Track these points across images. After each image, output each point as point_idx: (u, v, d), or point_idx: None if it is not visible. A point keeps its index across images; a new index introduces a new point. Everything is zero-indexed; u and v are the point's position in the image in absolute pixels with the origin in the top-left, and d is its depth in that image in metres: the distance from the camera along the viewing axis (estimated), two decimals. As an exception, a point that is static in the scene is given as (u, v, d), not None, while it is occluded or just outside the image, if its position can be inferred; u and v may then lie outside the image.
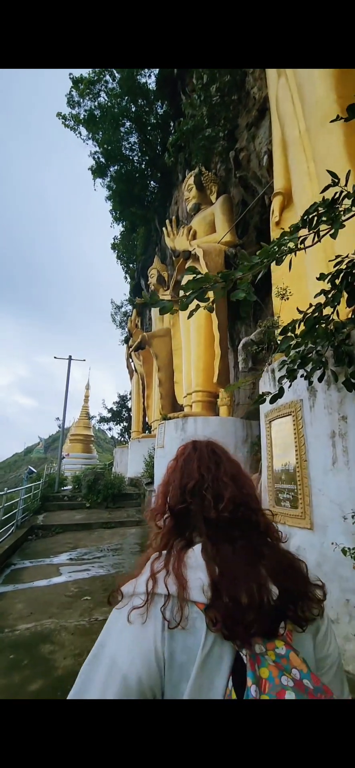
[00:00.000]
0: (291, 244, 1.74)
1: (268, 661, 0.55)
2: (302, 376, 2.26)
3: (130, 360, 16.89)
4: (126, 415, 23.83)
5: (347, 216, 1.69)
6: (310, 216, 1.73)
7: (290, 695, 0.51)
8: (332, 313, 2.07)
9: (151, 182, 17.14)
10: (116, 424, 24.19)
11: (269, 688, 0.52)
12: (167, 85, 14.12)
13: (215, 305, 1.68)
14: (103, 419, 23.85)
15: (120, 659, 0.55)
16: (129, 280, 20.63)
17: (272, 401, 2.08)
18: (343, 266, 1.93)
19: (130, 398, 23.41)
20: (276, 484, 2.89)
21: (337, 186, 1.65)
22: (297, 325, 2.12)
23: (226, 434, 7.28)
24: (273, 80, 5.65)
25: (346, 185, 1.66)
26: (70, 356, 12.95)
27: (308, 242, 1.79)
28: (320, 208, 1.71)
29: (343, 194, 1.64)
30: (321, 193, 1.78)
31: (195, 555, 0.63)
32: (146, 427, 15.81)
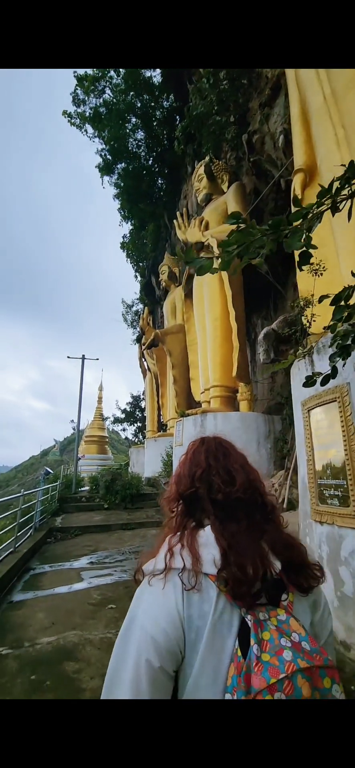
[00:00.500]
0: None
1: (270, 626, 0.62)
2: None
3: (143, 359, 16.72)
4: (140, 415, 23.71)
5: None
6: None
7: (287, 654, 0.57)
8: None
9: (159, 179, 16.90)
10: (130, 425, 24.10)
11: (269, 648, 0.59)
12: (173, 76, 13.84)
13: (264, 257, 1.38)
14: (117, 420, 23.80)
15: (147, 624, 0.63)
16: (139, 278, 20.46)
17: (323, 383, 1.77)
18: None
19: (143, 398, 23.27)
20: (320, 480, 2.58)
21: None
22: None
23: (247, 430, 6.96)
24: (291, 49, 5.29)
25: None
26: (83, 355, 12.85)
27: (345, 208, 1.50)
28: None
29: None
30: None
31: (206, 534, 0.71)
32: (161, 427, 15.60)
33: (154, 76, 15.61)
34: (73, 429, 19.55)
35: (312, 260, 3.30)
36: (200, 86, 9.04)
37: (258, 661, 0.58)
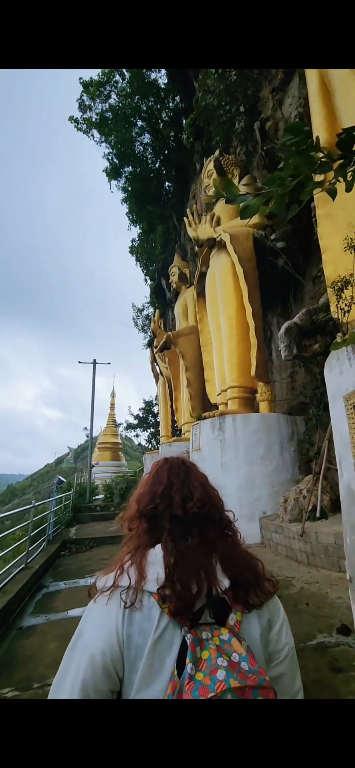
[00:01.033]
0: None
1: (210, 646, 0.63)
2: None
3: (155, 363, 16.44)
4: (152, 420, 23.45)
5: None
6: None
7: (221, 673, 0.59)
8: None
9: (167, 182, 16.75)
10: (143, 431, 23.87)
11: (205, 667, 0.60)
12: (179, 76, 13.67)
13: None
14: (129, 426, 23.61)
15: (89, 642, 0.66)
16: (149, 282, 20.29)
17: None
18: None
19: (156, 403, 23.00)
20: (374, 489, 2.19)
21: None
22: None
23: (269, 432, 6.54)
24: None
25: None
26: (94, 360, 12.70)
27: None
28: None
29: None
30: None
31: (156, 552, 0.74)
32: (175, 431, 15.24)
33: (160, 77, 15.51)
34: (87, 436, 19.48)
35: (348, 235, 2.84)
36: (207, 80, 8.77)
37: (190, 680, 0.58)
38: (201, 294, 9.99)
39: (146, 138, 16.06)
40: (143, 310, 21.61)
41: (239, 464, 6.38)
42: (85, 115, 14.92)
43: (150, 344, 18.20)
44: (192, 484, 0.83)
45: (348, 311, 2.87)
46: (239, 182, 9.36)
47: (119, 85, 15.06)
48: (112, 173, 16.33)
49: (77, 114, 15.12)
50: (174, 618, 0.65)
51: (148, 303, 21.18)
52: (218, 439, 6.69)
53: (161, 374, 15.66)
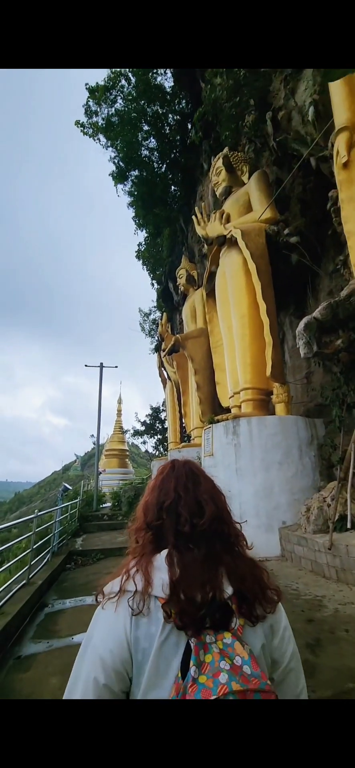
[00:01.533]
0: None
1: (214, 649, 0.64)
2: None
3: (163, 368, 16.11)
4: (160, 427, 23.08)
5: None
6: None
7: (223, 676, 0.60)
8: None
9: (173, 187, 16.60)
10: (150, 437, 23.50)
11: (208, 670, 0.61)
12: (185, 77, 13.52)
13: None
14: (137, 432, 23.26)
15: (98, 645, 0.68)
16: (156, 286, 20.06)
17: None
18: None
19: (163, 409, 22.64)
20: None
21: None
22: None
23: (287, 436, 6.12)
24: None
25: None
26: (101, 363, 12.42)
27: None
28: None
29: None
30: None
31: (162, 557, 0.74)
32: (184, 437, 14.85)
33: (166, 81, 15.42)
34: (94, 444, 19.18)
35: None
36: (215, 79, 8.51)
37: (194, 683, 0.60)
38: (211, 294, 9.66)
39: (152, 142, 15.97)
40: (150, 314, 21.35)
41: (255, 470, 5.97)
42: (91, 120, 14.87)
43: (157, 349, 17.91)
44: (202, 498, 0.81)
45: None
46: (248, 179, 9.08)
47: (125, 89, 15.02)
48: (119, 177, 16.22)
49: (78, 127, 15.10)
50: (179, 627, 0.65)
51: (155, 307, 20.92)
52: (232, 443, 6.28)
53: (169, 379, 15.31)
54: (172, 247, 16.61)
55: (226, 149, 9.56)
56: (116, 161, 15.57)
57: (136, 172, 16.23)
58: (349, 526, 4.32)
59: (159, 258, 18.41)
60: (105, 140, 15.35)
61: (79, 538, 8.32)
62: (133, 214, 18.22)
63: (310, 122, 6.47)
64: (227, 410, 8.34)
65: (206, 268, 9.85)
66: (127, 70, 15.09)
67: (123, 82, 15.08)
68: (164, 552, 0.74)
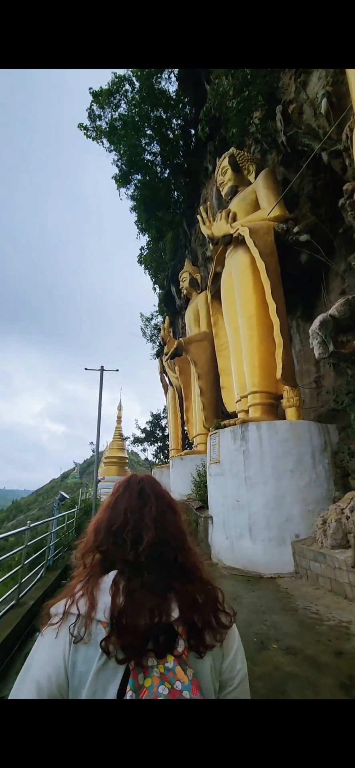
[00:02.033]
0: None
1: (154, 673, 0.63)
2: None
3: (164, 374, 15.76)
4: (160, 434, 22.66)
5: None
6: None
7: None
8: None
9: (176, 192, 16.46)
10: (150, 444, 23.08)
11: (146, 695, 0.60)
12: (190, 77, 13.42)
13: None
14: (137, 440, 22.83)
15: (36, 669, 0.65)
16: (158, 291, 19.82)
17: None
18: None
19: (164, 416, 22.24)
20: None
21: None
22: None
23: (299, 442, 5.73)
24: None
25: None
26: (102, 366, 12.04)
27: None
28: None
29: None
30: None
31: (108, 580, 0.72)
32: (185, 444, 14.42)
33: (170, 85, 15.36)
34: (93, 451, 18.72)
35: None
36: (221, 79, 8.30)
37: None
38: (215, 296, 9.35)
39: (155, 147, 15.86)
40: (152, 318, 21.08)
41: (265, 478, 5.56)
42: (94, 124, 14.78)
43: (159, 354, 17.58)
44: (144, 523, 0.77)
45: None
46: (254, 178, 8.84)
47: (129, 94, 14.95)
48: (122, 180, 16.09)
49: (82, 129, 15.00)
50: (121, 653, 0.63)
51: (156, 312, 20.65)
52: (240, 449, 5.89)
53: (171, 384, 14.95)
54: (175, 250, 16.39)
55: (232, 148, 9.34)
56: (119, 164, 15.42)
57: (139, 176, 16.12)
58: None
59: (161, 262, 18.21)
60: (108, 144, 15.26)
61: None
62: (136, 219, 18.06)
63: (322, 114, 6.22)
64: (233, 415, 7.95)
65: (211, 269, 9.56)
66: (131, 74, 15.05)
67: (127, 86, 15.04)
68: (112, 574, 0.72)
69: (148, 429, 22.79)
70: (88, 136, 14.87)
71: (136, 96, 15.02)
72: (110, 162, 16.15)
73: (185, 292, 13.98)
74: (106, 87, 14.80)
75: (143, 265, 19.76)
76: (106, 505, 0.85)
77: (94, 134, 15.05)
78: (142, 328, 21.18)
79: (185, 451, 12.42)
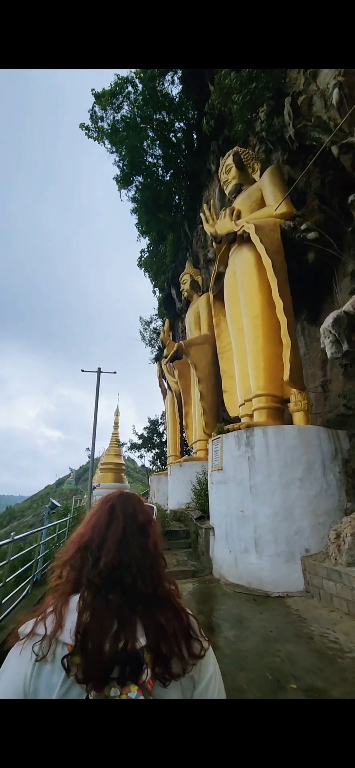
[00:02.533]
0: None
1: None
2: None
3: (163, 378, 15.36)
4: (158, 440, 22.18)
5: None
6: None
7: None
8: None
9: (177, 196, 16.28)
10: (148, 451, 22.57)
11: None
12: (194, 78, 13.28)
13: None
14: (134, 446, 22.33)
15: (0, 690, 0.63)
16: (158, 294, 19.51)
17: None
18: None
19: (162, 422, 21.77)
20: None
21: None
22: None
23: (308, 449, 5.33)
24: None
25: None
26: (99, 368, 11.63)
27: None
28: None
29: None
30: None
31: (76, 600, 0.69)
32: (184, 450, 13.97)
33: (173, 87, 15.24)
34: (89, 457, 18.21)
35: None
36: (226, 77, 8.06)
37: None
38: (218, 296, 9.02)
39: (157, 150, 15.71)
40: (151, 322, 20.73)
41: (273, 487, 5.15)
42: (96, 125, 14.60)
43: (158, 358, 17.20)
44: (105, 545, 0.74)
45: None
46: (259, 176, 8.58)
47: (131, 96, 14.82)
48: (123, 182, 15.89)
49: (83, 130, 14.82)
50: (83, 680, 0.61)
51: (156, 315, 20.31)
52: (245, 456, 5.48)
53: (169, 389, 14.54)
54: (175, 252, 16.12)
55: (236, 147, 9.10)
56: (121, 165, 15.23)
57: (140, 178, 15.93)
58: None
59: (162, 265, 17.95)
60: (110, 145, 15.07)
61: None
62: (137, 221, 17.84)
63: (334, 106, 5.94)
64: (235, 420, 7.55)
65: (214, 268, 9.24)
66: (134, 76, 14.94)
67: (130, 88, 14.91)
68: (82, 591, 0.71)
69: (146, 435, 22.32)
70: (90, 137, 14.68)
71: (139, 98, 14.89)
72: (111, 164, 16.01)
73: (185, 294, 13.67)
74: (109, 88, 14.66)
75: (143, 268, 19.49)
76: (87, 519, 0.83)
77: (95, 135, 14.87)
78: (141, 332, 20.85)
79: (185, 457, 11.97)
